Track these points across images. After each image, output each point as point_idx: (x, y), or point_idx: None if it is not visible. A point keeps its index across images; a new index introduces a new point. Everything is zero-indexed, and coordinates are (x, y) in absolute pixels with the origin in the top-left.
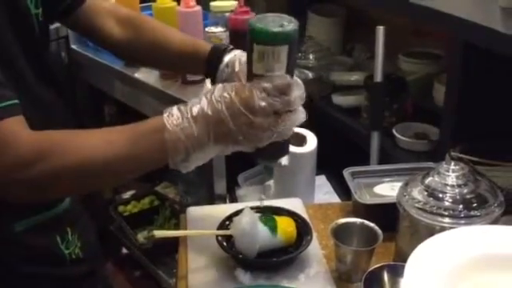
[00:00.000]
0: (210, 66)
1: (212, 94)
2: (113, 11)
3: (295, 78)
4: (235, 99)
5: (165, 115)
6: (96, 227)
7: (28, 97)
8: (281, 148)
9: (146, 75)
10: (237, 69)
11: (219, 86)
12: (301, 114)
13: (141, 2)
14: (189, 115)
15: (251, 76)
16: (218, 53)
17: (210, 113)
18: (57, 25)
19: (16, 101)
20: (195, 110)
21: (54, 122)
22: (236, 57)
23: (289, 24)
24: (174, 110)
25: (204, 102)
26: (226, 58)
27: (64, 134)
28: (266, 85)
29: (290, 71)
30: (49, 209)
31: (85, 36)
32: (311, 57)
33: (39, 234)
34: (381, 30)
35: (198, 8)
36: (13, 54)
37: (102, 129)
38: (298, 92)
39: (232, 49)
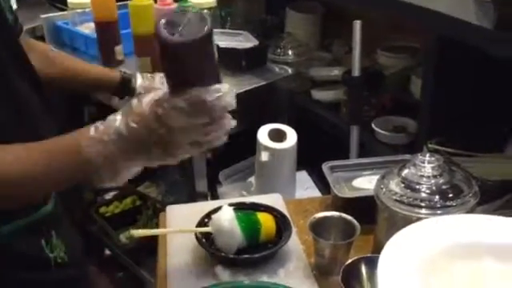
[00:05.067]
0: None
1: (128, 115)
2: (32, 47)
3: (221, 85)
4: (151, 117)
5: (82, 131)
6: (78, 230)
7: (6, 90)
8: None
9: None
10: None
11: (135, 102)
12: (227, 122)
13: (117, 1)
14: (104, 134)
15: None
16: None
17: (126, 134)
18: (33, 24)
19: None
20: (111, 129)
21: (29, 115)
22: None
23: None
24: (92, 128)
25: (121, 122)
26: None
27: None
28: (181, 104)
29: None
30: (33, 211)
31: None
32: (290, 53)
33: (25, 237)
34: (357, 24)
35: (175, 6)
36: None
37: (17, 144)
38: (221, 101)
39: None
